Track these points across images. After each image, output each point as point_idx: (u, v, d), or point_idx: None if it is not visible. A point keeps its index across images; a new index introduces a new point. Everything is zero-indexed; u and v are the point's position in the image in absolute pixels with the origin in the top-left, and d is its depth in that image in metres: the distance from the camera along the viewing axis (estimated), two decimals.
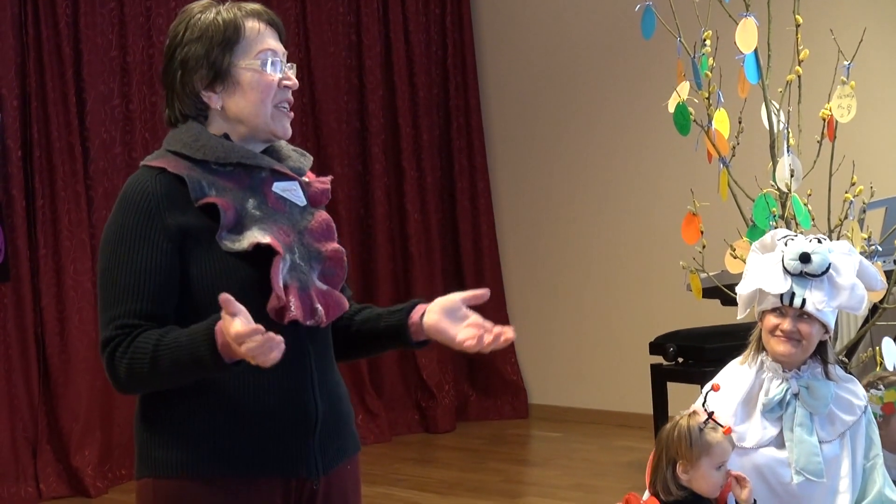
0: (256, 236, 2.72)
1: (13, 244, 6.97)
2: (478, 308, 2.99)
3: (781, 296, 3.43)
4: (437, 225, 8.92)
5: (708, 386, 3.50)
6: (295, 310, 2.73)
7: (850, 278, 3.46)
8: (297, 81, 2.89)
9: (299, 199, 2.89)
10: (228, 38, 2.82)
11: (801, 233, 3.90)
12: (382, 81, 8.66)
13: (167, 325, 2.71)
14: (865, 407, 3.55)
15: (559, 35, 8.65)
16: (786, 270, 3.43)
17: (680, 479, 3.37)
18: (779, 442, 3.48)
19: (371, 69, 8.59)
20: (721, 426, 3.35)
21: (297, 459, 2.79)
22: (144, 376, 2.68)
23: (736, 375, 3.57)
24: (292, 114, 2.90)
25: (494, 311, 8.91)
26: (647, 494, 3.47)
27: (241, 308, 2.51)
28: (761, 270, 3.49)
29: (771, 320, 3.47)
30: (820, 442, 3.47)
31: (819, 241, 3.47)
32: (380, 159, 8.61)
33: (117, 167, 7.35)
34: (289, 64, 2.90)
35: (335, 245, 2.89)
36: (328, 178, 3.03)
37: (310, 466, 2.81)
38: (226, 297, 2.50)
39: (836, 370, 3.56)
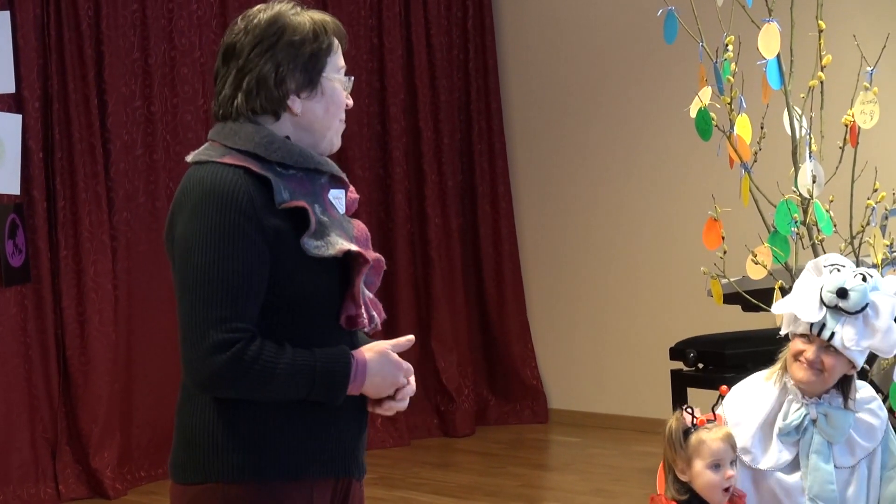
0: (343, 243, 2.76)
1: (34, 245, 6.98)
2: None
3: (811, 324, 3.39)
4: (458, 229, 8.90)
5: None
6: (365, 318, 2.81)
7: (887, 321, 3.40)
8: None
9: (343, 207, 2.94)
10: (326, 49, 2.87)
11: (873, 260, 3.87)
12: (404, 85, 8.65)
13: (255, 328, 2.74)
14: (886, 425, 3.52)
15: (581, 39, 8.63)
16: (822, 300, 3.40)
17: (682, 482, 3.37)
18: (795, 465, 3.45)
19: (392, 73, 8.58)
20: (700, 423, 3.35)
21: (351, 459, 2.86)
22: (271, 384, 2.70)
23: (758, 393, 3.54)
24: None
25: (515, 315, 8.91)
26: None
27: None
28: (801, 294, 3.45)
29: (797, 345, 3.43)
30: (837, 467, 3.44)
31: (864, 279, 3.41)
32: (400, 163, 8.60)
33: (138, 169, 7.36)
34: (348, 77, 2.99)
35: (377, 254, 2.91)
36: (352, 189, 3.06)
37: (360, 465, 2.89)
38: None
39: (859, 394, 3.52)
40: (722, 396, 3.51)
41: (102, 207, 7.21)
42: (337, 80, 2.88)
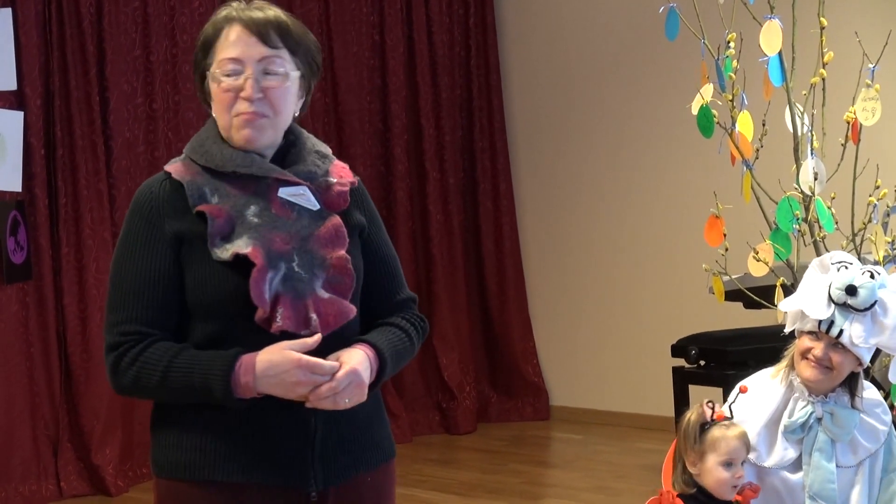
0: (240, 246, 2.70)
1: (36, 242, 6.98)
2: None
3: (820, 322, 3.39)
4: (460, 226, 8.91)
5: (738, 388, 3.49)
6: (283, 320, 2.69)
7: (895, 318, 3.41)
8: (252, 92, 2.79)
9: (311, 203, 2.84)
10: (207, 45, 2.84)
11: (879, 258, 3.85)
12: (405, 82, 8.65)
13: (168, 333, 2.73)
14: (889, 429, 3.52)
15: (582, 36, 8.63)
16: (830, 298, 3.39)
17: (691, 474, 3.37)
18: (799, 464, 3.45)
19: (394, 70, 8.58)
20: (719, 418, 3.34)
21: (294, 469, 2.75)
22: (150, 388, 2.72)
23: (765, 390, 3.53)
24: (257, 122, 2.80)
25: (517, 312, 8.91)
26: None
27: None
28: (809, 291, 3.44)
29: (805, 342, 3.42)
30: (838, 467, 3.44)
31: (872, 276, 3.40)
32: (402, 160, 8.60)
33: (140, 166, 7.35)
34: (277, 69, 2.81)
35: (341, 252, 2.81)
36: (347, 181, 2.94)
37: (306, 477, 2.76)
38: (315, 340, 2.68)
39: (865, 395, 3.52)
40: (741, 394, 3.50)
41: (104, 204, 7.21)
42: (214, 77, 2.81)
